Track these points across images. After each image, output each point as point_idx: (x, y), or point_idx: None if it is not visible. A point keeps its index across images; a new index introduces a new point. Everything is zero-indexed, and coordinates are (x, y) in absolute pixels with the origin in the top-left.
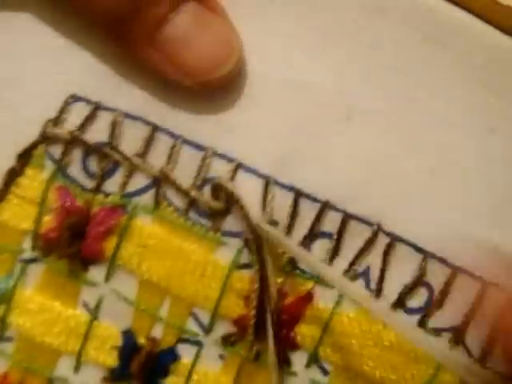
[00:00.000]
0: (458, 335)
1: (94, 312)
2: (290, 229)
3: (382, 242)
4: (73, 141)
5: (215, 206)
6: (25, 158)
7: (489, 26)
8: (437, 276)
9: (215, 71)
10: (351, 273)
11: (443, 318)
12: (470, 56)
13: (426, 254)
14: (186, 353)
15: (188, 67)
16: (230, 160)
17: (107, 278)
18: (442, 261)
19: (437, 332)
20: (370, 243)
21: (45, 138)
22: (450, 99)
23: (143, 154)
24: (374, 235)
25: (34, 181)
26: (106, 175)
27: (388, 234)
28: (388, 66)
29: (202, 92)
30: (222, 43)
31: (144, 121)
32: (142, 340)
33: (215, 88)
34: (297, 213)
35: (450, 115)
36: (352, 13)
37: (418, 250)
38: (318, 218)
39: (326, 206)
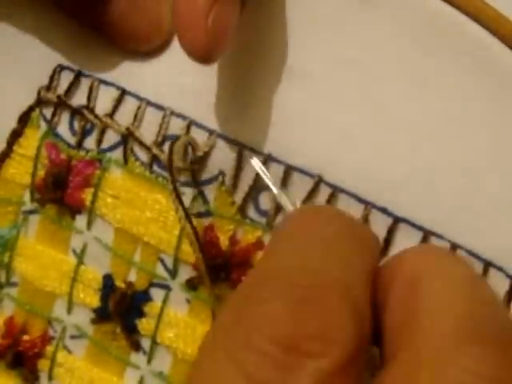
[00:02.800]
0: None
1: (80, 257)
2: (236, 180)
3: (325, 192)
4: (60, 104)
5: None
6: (24, 120)
7: None
8: (379, 225)
9: (145, 45)
10: None
11: None
12: (401, 15)
13: (367, 204)
14: (157, 296)
15: (124, 40)
16: (185, 118)
17: (89, 226)
18: (383, 210)
19: None
20: (312, 194)
21: (39, 102)
22: (383, 55)
23: (112, 114)
24: (316, 186)
25: (31, 140)
26: (85, 133)
27: (330, 185)
28: (325, 28)
29: (164, 60)
30: (153, 24)
31: (115, 85)
32: (120, 283)
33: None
34: (241, 166)
35: (382, 70)
36: None
37: (360, 200)
38: (262, 170)
39: (268, 159)
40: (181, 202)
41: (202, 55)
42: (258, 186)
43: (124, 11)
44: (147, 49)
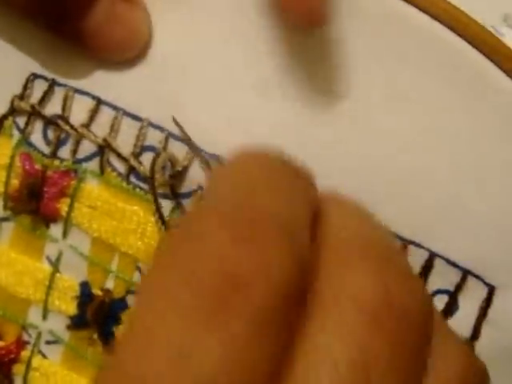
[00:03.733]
0: None
1: (56, 265)
2: None
3: None
4: (34, 113)
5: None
6: None
7: None
8: None
9: (124, 54)
10: None
11: None
12: (379, 28)
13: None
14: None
15: (103, 50)
16: (162, 130)
17: (64, 235)
18: None
19: None
20: None
21: (12, 111)
22: (361, 67)
23: (89, 124)
24: None
25: (4, 148)
26: (60, 143)
27: None
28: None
29: (142, 70)
30: (132, 32)
31: (90, 95)
32: (97, 291)
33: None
34: None
35: (359, 83)
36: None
37: None
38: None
39: None
40: (161, 216)
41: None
42: None
43: (100, 22)
44: (124, 59)
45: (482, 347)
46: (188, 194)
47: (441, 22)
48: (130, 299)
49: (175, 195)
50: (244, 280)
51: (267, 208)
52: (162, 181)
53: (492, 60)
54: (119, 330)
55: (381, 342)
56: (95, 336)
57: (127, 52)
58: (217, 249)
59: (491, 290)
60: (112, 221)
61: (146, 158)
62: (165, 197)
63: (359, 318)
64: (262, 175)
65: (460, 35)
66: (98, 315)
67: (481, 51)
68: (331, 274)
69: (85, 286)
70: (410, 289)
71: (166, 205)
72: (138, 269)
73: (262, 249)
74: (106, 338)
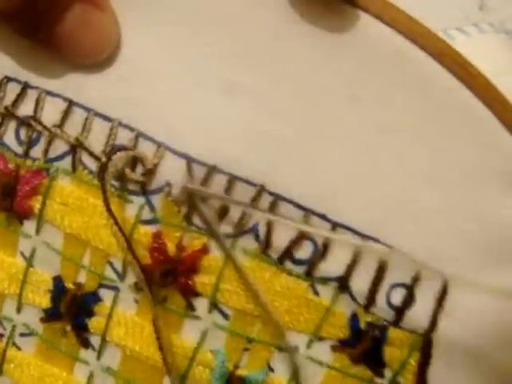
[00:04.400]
0: (342, 284)
1: (29, 260)
2: (182, 190)
3: (266, 200)
4: (7, 114)
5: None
6: None
7: None
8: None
9: (94, 59)
10: (240, 228)
11: (328, 268)
12: (336, 34)
13: (306, 211)
14: (106, 296)
15: (73, 56)
16: (132, 130)
17: (37, 231)
18: (322, 217)
19: (323, 281)
20: (254, 202)
21: None
22: (318, 70)
23: (61, 124)
24: (258, 195)
25: None
26: (32, 143)
27: (271, 194)
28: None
29: (112, 71)
30: (102, 37)
31: (62, 97)
32: (69, 284)
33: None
34: (190, 176)
35: (318, 83)
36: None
37: (299, 207)
38: (207, 179)
39: (213, 170)
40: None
41: None
42: (201, 195)
43: (72, 27)
44: (95, 62)
45: (439, 338)
46: (157, 191)
47: (395, 28)
48: (102, 292)
49: (144, 192)
50: None
51: None
52: (134, 178)
53: (440, 62)
54: (92, 323)
55: None
56: (68, 328)
57: (98, 56)
58: None
59: (446, 283)
60: (83, 216)
61: (117, 157)
62: (134, 193)
63: None
64: None
65: (409, 39)
66: (70, 308)
67: (429, 53)
68: None
69: (58, 280)
70: None
71: (136, 201)
72: (109, 263)
73: None
74: (79, 329)
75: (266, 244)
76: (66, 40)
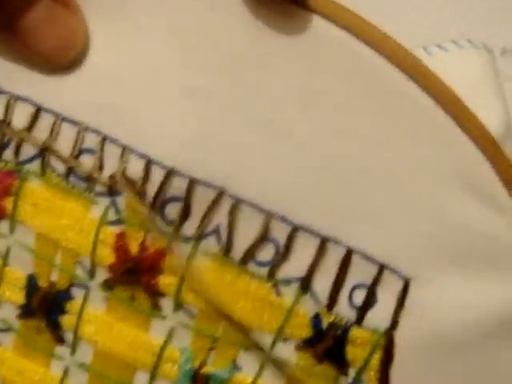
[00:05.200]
0: (304, 284)
1: (5, 259)
2: (142, 191)
3: (227, 203)
4: None
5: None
6: None
7: None
8: (280, 232)
9: (61, 59)
10: (201, 230)
11: (290, 269)
12: (290, 38)
13: (267, 213)
14: (77, 295)
15: (40, 55)
16: (98, 133)
17: (11, 230)
18: (283, 219)
19: (286, 282)
20: (214, 204)
21: None
22: (275, 74)
23: (30, 128)
24: (219, 197)
25: None
26: (3, 146)
27: (232, 197)
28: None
29: (80, 77)
30: (70, 36)
31: (31, 101)
32: (43, 283)
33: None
34: (148, 178)
35: (276, 88)
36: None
37: (260, 209)
38: (165, 182)
39: (172, 173)
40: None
41: None
42: (162, 197)
43: (39, 22)
44: (61, 63)
45: (401, 337)
46: (121, 192)
47: (352, 32)
48: (73, 291)
49: (111, 193)
50: None
51: None
52: (102, 180)
53: (396, 65)
54: (64, 320)
55: None
56: (43, 325)
57: (64, 56)
58: None
59: (406, 282)
60: (53, 217)
61: (84, 160)
62: (101, 194)
63: None
64: None
65: (370, 45)
66: (42, 305)
67: (385, 57)
68: None
69: (31, 278)
70: None
71: (102, 202)
72: (79, 262)
73: None
74: (53, 326)
75: (227, 246)
76: (31, 36)
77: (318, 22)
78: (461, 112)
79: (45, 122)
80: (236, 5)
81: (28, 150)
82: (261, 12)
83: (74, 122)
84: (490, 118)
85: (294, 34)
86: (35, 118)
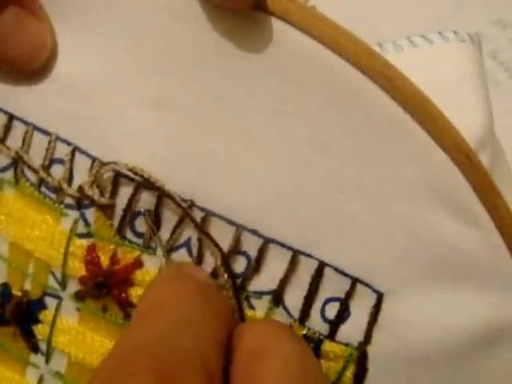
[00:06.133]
0: (276, 298)
1: None
2: (112, 204)
3: (197, 216)
4: None
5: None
6: None
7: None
8: (251, 245)
9: (29, 65)
10: (171, 243)
11: (262, 282)
12: (265, 51)
13: (238, 226)
14: (50, 304)
15: (7, 61)
16: (69, 144)
17: None
18: (254, 232)
19: (257, 295)
20: (184, 217)
21: None
22: (246, 87)
23: (3, 138)
24: (189, 210)
25: None
26: None
27: (202, 209)
28: (189, 63)
29: (49, 86)
30: (37, 43)
31: (3, 111)
32: (16, 292)
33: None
34: (117, 191)
35: (247, 100)
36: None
37: (231, 222)
38: (135, 195)
39: (141, 185)
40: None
41: None
42: (132, 209)
43: (6, 30)
44: (28, 71)
45: (374, 351)
46: (90, 204)
47: (322, 42)
48: (46, 300)
49: (80, 206)
50: None
51: (187, 345)
52: (71, 193)
53: (369, 76)
54: (38, 329)
55: None
56: (18, 333)
57: (31, 64)
58: None
59: (380, 297)
60: (25, 228)
61: (55, 170)
62: (70, 207)
63: None
64: (182, 308)
65: (340, 55)
66: (16, 314)
67: (357, 68)
68: None
69: (5, 287)
70: None
71: (72, 214)
72: (52, 273)
73: None
74: (27, 335)
75: (198, 259)
76: (1, 45)
77: (286, 31)
78: (434, 121)
79: (17, 131)
80: (200, 14)
81: (2, 160)
82: (227, 21)
83: (45, 132)
84: (469, 121)
85: (262, 43)
86: (8, 127)
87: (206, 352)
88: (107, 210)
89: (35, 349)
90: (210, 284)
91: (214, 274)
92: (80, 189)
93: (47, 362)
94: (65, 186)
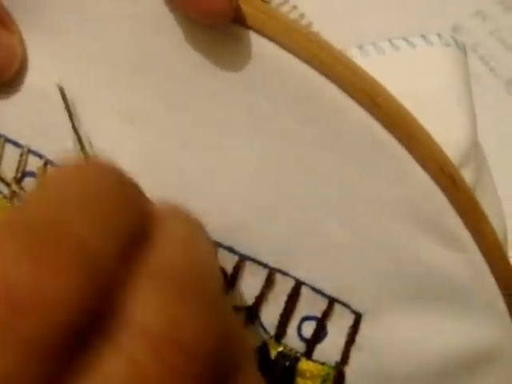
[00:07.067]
0: (251, 314)
1: None
2: None
3: None
4: None
5: None
6: None
7: None
8: (227, 262)
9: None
10: None
11: (237, 298)
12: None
13: (213, 243)
14: None
15: None
16: (41, 156)
17: None
18: (230, 249)
19: (234, 310)
20: None
21: None
22: (222, 103)
23: None
24: None
25: None
26: None
27: None
28: (163, 76)
29: (21, 98)
30: (7, 55)
31: None
32: None
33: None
34: None
35: (220, 115)
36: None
37: None
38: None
39: None
40: None
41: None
42: None
43: None
44: (0, 82)
45: (351, 371)
46: None
47: (300, 57)
48: None
49: None
50: (21, 305)
51: (73, 228)
52: None
53: (351, 96)
54: None
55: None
56: None
57: (2, 75)
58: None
59: (358, 317)
60: None
61: (28, 183)
62: None
63: (144, 349)
64: (83, 189)
65: (319, 71)
66: None
67: (338, 85)
68: (130, 302)
69: None
70: (204, 326)
71: None
72: None
73: (50, 273)
74: None
75: None
76: None
77: (264, 45)
78: (418, 142)
79: None
80: (175, 26)
81: None
82: (202, 34)
83: (16, 144)
84: (453, 134)
85: (238, 57)
86: None
87: (95, 240)
88: None
89: None
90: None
91: None
92: None
93: None
94: None
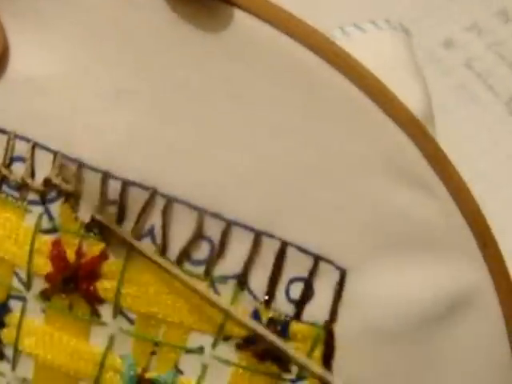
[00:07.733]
0: (241, 281)
1: None
2: (78, 197)
3: (160, 203)
4: None
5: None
6: None
7: None
8: (214, 229)
9: None
10: (136, 232)
11: (226, 266)
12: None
13: (200, 211)
14: (15, 307)
15: None
16: (28, 140)
17: None
18: (216, 215)
19: (222, 279)
20: (148, 205)
21: None
22: (200, 72)
23: None
24: (152, 198)
25: None
26: None
27: (164, 196)
28: (147, 51)
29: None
30: None
31: None
32: None
33: None
34: (82, 184)
35: (207, 89)
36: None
37: (193, 207)
38: (102, 185)
39: (106, 176)
40: None
41: None
42: (99, 202)
43: None
44: None
45: (340, 329)
46: (54, 199)
47: (279, 28)
48: (11, 303)
49: (44, 201)
50: None
51: None
52: (35, 187)
53: (320, 56)
54: (3, 334)
55: None
56: None
57: None
58: None
59: (343, 273)
60: None
61: (16, 168)
62: (34, 203)
63: None
64: None
65: (295, 39)
66: None
67: (310, 49)
68: None
69: None
70: None
71: (35, 210)
72: (16, 273)
73: None
74: None
75: (163, 246)
76: None
77: (243, 18)
78: (386, 98)
79: None
80: (156, 2)
81: None
82: (183, 9)
83: (2, 130)
84: (409, 102)
85: (219, 30)
86: None
87: None
88: (72, 201)
89: (1, 356)
90: None
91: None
92: (46, 181)
93: (13, 368)
94: (29, 180)
